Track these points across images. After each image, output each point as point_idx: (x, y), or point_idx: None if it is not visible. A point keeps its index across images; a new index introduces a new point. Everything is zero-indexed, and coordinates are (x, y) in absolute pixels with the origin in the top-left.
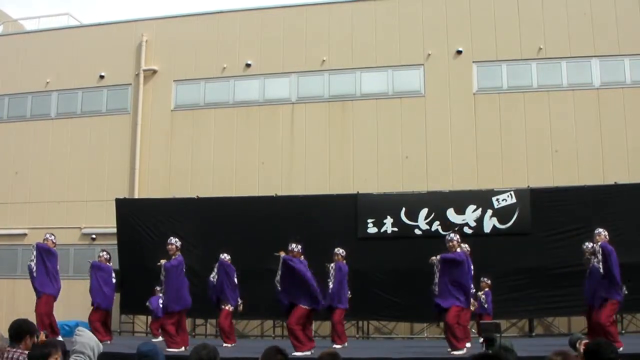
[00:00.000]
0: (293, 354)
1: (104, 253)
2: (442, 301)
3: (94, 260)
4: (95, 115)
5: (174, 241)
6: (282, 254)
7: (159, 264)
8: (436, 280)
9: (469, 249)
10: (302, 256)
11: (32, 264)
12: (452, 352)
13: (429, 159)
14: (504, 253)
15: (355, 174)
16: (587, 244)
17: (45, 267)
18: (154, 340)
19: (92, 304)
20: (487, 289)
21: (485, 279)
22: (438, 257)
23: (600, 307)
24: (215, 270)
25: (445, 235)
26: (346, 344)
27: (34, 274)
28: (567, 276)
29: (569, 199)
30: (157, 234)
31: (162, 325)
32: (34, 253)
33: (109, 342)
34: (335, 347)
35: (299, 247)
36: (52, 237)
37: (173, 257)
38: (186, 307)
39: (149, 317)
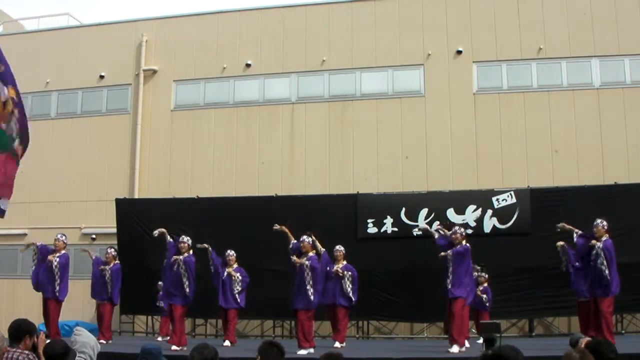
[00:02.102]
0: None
1: (112, 250)
2: (455, 290)
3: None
4: (95, 115)
5: (186, 239)
6: (303, 261)
7: (175, 258)
8: (449, 273)
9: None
10: (314, 250)
11: (57, 276)
12: (451, 350)
13: (429, 159)
14: (504, 253)
15: (355, 174)
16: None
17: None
18: (160, 339)
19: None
20: (485, 285)
21: (483, 274)
22: (449, 252)
23: (600, 296)
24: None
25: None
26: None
27: (58, 286)
28: (567, 276)
29: (569, 199)
30: None
31: (180, 317)
32: (57, 272)
33: (110, 341)
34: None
35: (310, 239)
36: (63, 237)
37: (185, 254)
38: None
39: (149, 317)
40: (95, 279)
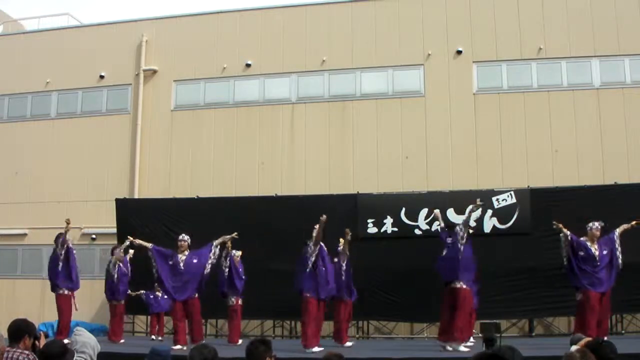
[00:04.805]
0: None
1: (120, 251)
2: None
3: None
4: (95, 115)
5: (187, 238)
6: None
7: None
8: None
9: None
10: (314, 255)
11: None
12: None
13: (429, 159)
14: (504, 253)
15: (355, 174)
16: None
17: None
18: (160, 339)
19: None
20: None
21: None
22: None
23: (606, 293)
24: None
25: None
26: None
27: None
28: (567, 276)
29: (569, 199)
30: (157, 234)
31: (198, 313)
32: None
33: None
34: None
35: (310, 244)
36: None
37: (185, 252)
38: None
39: (149, 317)
40: (111, 279)
